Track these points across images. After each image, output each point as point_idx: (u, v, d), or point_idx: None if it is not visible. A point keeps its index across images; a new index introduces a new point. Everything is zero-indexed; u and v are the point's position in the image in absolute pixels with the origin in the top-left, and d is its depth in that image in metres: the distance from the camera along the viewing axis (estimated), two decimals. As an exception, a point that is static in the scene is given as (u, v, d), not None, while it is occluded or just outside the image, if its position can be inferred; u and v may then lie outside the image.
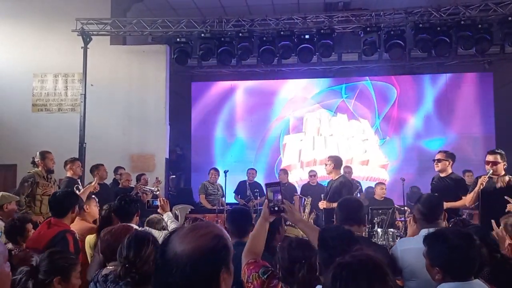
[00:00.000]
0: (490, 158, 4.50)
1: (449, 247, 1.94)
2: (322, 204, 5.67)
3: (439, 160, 4.85)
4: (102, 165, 6.39)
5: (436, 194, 4.26)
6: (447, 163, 4.80)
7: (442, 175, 4.85)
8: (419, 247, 2.16)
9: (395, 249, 2.72)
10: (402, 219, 6.20)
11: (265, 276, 2.05)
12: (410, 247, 2.56)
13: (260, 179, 8.71)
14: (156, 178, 7.36)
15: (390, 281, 1.23)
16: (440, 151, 4.99)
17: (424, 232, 2.40)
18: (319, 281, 1.81)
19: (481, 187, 4.41)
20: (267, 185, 2.21)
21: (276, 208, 2.15)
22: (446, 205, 4.17)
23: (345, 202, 2.87)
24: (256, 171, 8.32)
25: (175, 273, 1.09)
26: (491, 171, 4.45)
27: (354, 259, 1.27)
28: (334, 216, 2.87)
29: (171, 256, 1.11)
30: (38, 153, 5.39)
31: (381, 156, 9.83)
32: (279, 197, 2.16)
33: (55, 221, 3.31)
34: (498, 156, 4.48)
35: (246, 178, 8.28)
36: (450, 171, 4.82)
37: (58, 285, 2.20)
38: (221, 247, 1.15)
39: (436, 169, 4.90)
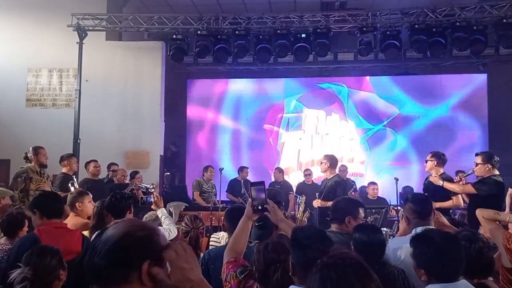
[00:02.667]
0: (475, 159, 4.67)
1: (434, 250, 1.92)
2: (317, 203, 5.69)
3: (426, 161, 5.01)
4: (93, 161, 6.34)
5: (425, 194, 4.35)
6: (433, 163, 4.88)
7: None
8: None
9: (387, 248, 2.75)
10: (396, 218, 6.24)
11: (242, 276, 2.04)
12: (402, 246, 2.59)
13: (258, 178, 8.68)
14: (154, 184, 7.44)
15: (373, 274, 1.25)
16: (430, 152, 5.08)
17: (419, 230, 2.43)
18: (293, 282, 1.78)
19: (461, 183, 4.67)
20: (251, 184, 2.24)
21: (259, 207, 2.18)
22: (436, 205, 4.23)
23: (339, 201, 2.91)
24: (248, 169, 8.32)
25: (99, 254, 1.13)
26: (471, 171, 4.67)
27: (338, 259, 1.27)
28: (330, 215, 2.90)
29: (103, 238, 1.16)
30: (31, 148, 5.36)
31: (361, 153, 10.09)
32: (263, 196, 2.19)
33: (55, 224, 2.92)
34: (479, 158, 4.59)
35: (238, 176, 8.28)
36: (441, 171, 4.86)
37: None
38: (150, 239, 1.16)
39: (425, 169, 5.04)
